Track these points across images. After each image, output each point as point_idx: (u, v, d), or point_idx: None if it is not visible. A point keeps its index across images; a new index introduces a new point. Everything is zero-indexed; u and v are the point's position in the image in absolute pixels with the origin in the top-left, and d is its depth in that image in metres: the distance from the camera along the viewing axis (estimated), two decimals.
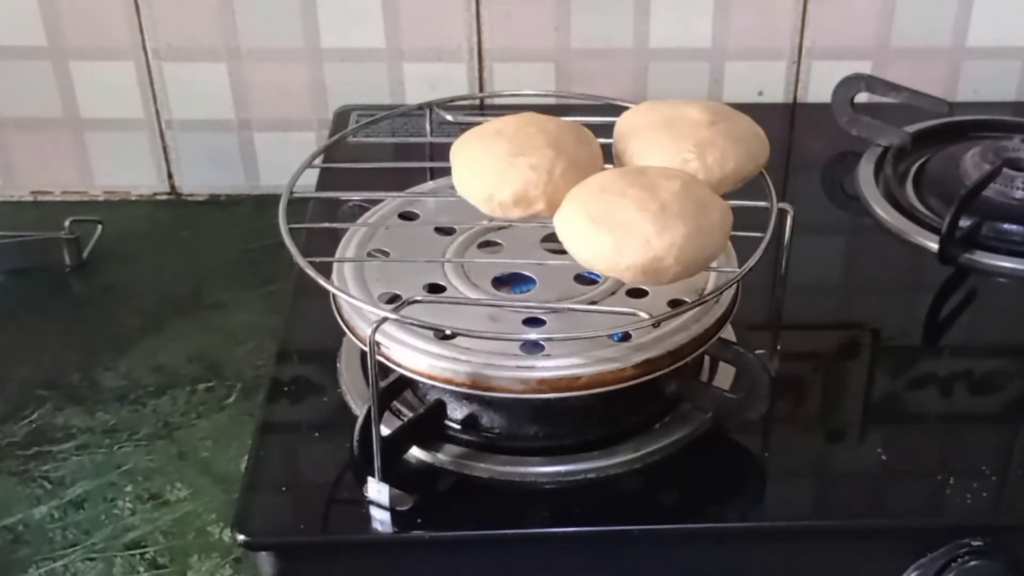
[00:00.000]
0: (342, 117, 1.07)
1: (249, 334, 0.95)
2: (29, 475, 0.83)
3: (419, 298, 0.66)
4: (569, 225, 0.66)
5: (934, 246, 0.89)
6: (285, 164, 0.73)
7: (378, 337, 0.68)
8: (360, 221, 0.80)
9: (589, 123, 0.76)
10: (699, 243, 0.65)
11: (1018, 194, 0.92)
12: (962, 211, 0.88)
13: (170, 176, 1.15)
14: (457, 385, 0.68)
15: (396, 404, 0.73)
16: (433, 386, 0.70)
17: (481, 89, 1.13)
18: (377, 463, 0.66)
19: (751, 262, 0.68)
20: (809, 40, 1.12)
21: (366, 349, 0.66)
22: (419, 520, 0.67)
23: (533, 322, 0.71)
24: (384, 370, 0.70)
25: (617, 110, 0.78)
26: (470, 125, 0.76)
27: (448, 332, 0.69)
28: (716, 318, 0.71)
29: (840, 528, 0.70)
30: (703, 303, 0.70)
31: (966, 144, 1.00)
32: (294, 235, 0.70)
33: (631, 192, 0.65)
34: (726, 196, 0.70)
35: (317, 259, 0.70)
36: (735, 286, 0.72)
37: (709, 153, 0.71)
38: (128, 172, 1.15)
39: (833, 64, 1.11)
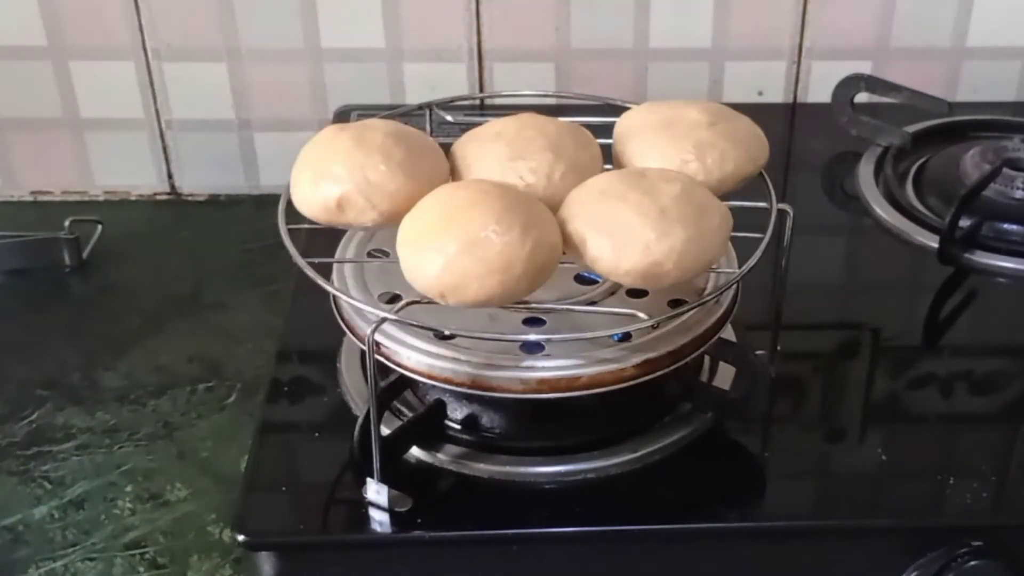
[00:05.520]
0: (342, 117, 1.07)
1: (249, 334, 0.95)
2: (29, 475, 0.83)
3: (419, 298, 0.66)
4: (568, 229, 0.66)
5: (934, 246, 0.89)
6: (285, 164, 0.73)
7: (378, 337, 0.68)
8: None
9: (589, 124, 0.76)
10: (699, 248, 0.65)
11: (1018, 194, 0.92)
12: (962, 211, 0.88)
13: (170, 176, 1.16)
14: (457, 385, 0.68)
15: (396, 404, 0.74)
16: (433, 386, 0.70)
17: (481, 89, 1.13)
18: (376, 463, 0.67)
19: (751, 263, 0.68)
20: (809, 40, 1.12)
21: (366, 349, 0.66)
22: (419, 520, 0.67)
23: (533, 322, 0.71)
24: (384, 370, 0.70)
25: (617, 110, 0.78)
26: (470, 126, 0.76)
27: (448, 332, 0.69)
28: (716, 318, 0.71)
29: (840, 528, 0.70)
30: (703, 304, 0.70)
31: (966, 144, 1.00)
32: (294, 235, 0.70)
33: (631, 196, 0.65)
34: (726, 197, 0.70)
35: (317, 259, 0.70)
36: (735, 286, 0.73)
37: (708, 154, 0.71)
38: (128, 172, 1.15)
39: (833, 64, 1.11)
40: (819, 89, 1.12)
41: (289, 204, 0.72)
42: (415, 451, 0.71)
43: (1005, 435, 0.76)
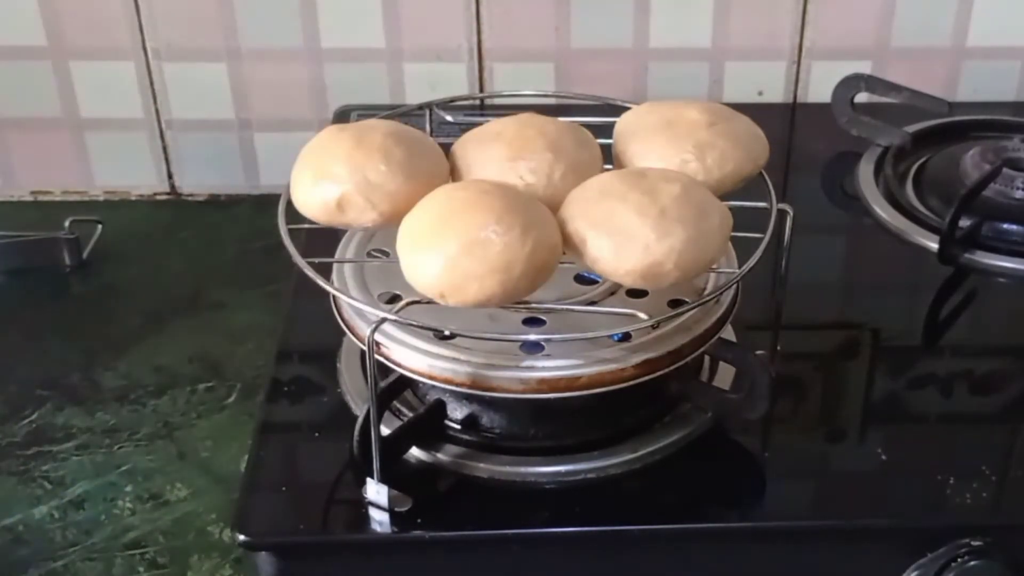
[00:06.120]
0: (342, 117, 1.07)
1: (249, 334, 0.95)
2: (29, 475, 0.83)
3: (419, 298, 0.66)
4: (568, 229, 0.66)
5: (934, 246, 0.89)
6: (285, 164, 0.73)
7: (378, 337, 0.68)
8: None
9: (589, 124, 0.76)
10: (699, 248, 0.65)
11: (1018, 194, 0.92)
12: (962, 211, 0.88)
13: (170, 176, 1.16)
14: (457, 385, 0.68)
15: (396, 404, 0.74)
16: (433, 386, 0.70)
17: (481, 89, 1.13)
18: (376, 464, 0.67)
19: (751, 263, 0.68)
20: (809, 40, 1.12)
21: (366, 349, 0.66)
22: (419, 520, 0.67)
23: (533, 322, 0.71)
24: (384, 370, 0.70)
25: (617, 110, 0.78)
26: (470, 126, 0.76)
27: (448, 332, 0.69)
28: (716, 318, 0.71)
29: (840, 528, 0.70)
30: (703, 304, 0.70)
31: (966, 144, 1.00)
32: (294, 235, 0.70)
33: (631, 196, 0.65)
34: (726, 197, 0.70)
35: (316, 259, 0.70)
36: (735, 286, 0.73)
37: (708, 154, 0.71)
38: (128, 172, 1.15)
39: (833, 64, 1.11)
40: (819, 89, 1.12)
41: (289, 204, 0.72)
42: (415, 451, 0.71)
43: (1005, 435, 0.76)
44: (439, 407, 0.72)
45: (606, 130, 0.76)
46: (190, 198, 1.16)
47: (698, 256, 0.65)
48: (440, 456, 0.71)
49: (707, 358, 0.76)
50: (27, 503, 0.81)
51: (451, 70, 1.12)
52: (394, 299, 0.72)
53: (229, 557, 0.78)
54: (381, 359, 0.69)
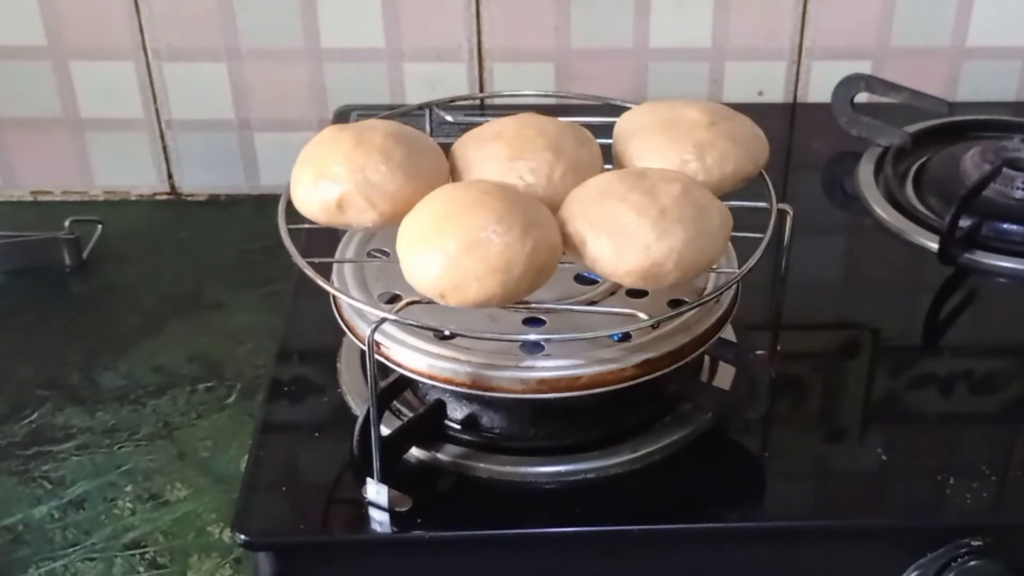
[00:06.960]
0: (342, 117, 1.07)
1: (249, 334, 0.95)
2: (29, 475, 0.83)
3: (419, 298, 0.66)
4: (568, 229, 0.66)
5: (934, 246, 0.89)
6: (285, 164, 0.73)
7: (378, 337, 0.68)
8: None
9: (589, 124, 0.76)
10: (699, 248, 0.65)
11: (1018, 194, 0.92)
12: (962, 211, 0.88)
13: (170, 176, 1.16)
14: (457, 385, 0.68)
15: (396, 404, 0.74)
16: (433, 386, 0.70)
17: (481, 89, 1.13)
18: (376, 464, 0.67)
19: (751, 262, 0.68)
20: (809, 40, 1.12)
21: (366, 349, 0.66)
22: (419, 520, 0.67)
23: (533, 322, 0.71)
24: (384, 370, 0.70)
25: (617, 110, 0.78)
26: (470, 126, 0.76)
27: (448, 332, 0.69)
28: (716, 318, 0.71)
29: (840, 528, 0.70)
30: (703, 304, 0.70)
31: (966, 144, 1.00)
32: (294, 235, 0.70)
33: (631, 196, 0.65)
34: (726, 197, 0.70)
35: (316, 259, 0.70)
36: (735, 286, 0.73)
37: (708, 154, 0.71)
38: (128, 172, 1.15)
39: (833, 64, 1.11)
40: (819, 89, 1.12)
41: (289, 204, 0.72)
42: (415, 451, 0.71)
43: (1005, 435, 0.76)
44: (439, 407, 0.72)
45: (606, 130, 0.76)
46: (190, 198, 1.16)
47: (698, 256, 0.65)
48: (440, 456, 0.71)
49: (707, 358, 0.76)
50: (27, 503, 0.81)
51: (451, 70, 1.12)
52: (394, 299, 0.72)
53: (229, 557, 0.78)
54: (381, 359, 0.69)
